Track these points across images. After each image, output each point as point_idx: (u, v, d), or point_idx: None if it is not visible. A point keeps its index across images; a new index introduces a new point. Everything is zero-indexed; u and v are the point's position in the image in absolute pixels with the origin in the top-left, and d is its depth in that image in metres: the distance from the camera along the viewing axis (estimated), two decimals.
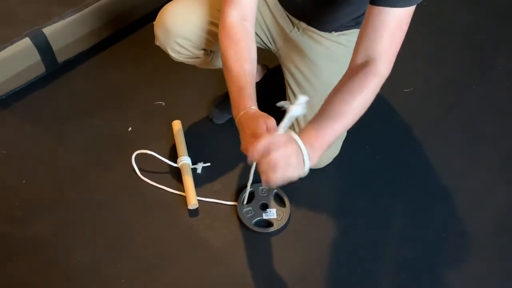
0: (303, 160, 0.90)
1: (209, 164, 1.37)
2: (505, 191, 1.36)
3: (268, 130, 0.94)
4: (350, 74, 0.99)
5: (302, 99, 0.89)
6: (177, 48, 1.22)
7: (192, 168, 1.35)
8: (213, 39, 1.22)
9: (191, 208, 1.28)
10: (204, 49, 1.25)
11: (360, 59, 0.98)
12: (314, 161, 0.92)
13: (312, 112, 1.25)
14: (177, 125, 1.44)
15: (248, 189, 1.25)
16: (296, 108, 0.90)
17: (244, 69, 1.04)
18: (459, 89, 1.63)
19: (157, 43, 1.25)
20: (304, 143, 0.90)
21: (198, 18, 1.19)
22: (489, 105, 1.58)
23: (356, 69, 0.97)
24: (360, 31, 0.98)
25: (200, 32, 1.20)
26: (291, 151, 0.88)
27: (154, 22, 1.22)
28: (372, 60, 0.95)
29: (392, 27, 0.93)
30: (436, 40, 1.79)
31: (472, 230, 1.27)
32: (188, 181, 1.31)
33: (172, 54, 1.24)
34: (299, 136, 0.91)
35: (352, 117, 0.97)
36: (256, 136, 0.93)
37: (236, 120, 1.02)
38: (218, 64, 1.35)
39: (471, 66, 1.71)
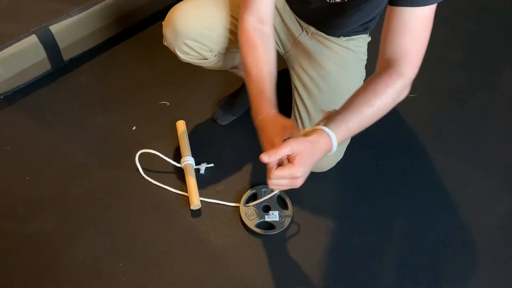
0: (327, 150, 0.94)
1: (212, 165, 1.38)
2: (507, 198, 1.35)
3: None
4: (375, 76, 0.98)
5: None
6: (185, 49, 1.22)
7: (195, 169, 1.35)
8: (221, 41, 1.22)
9: (194, 209, 1.28)
10: (213, 51, 1.25)
11: (384, 61, 0.97)
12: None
13: (317, 115, 1.25)
14: (181, 125, 1.44)
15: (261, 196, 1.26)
16: None
17: (263, 72, 1.06)
18: (463, 96, 1.63)
19: (165, 43, 1.25)
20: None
21: (207, 19, 1.19)
22: (493, 112, 1.58)
23: (381, 71, 0.97)
24: (382, 32, 0.97)
25: (209, 34, 1.20)
26: (314, 157, 0.92)
27: (163, 22, 1.22)
28: (396, 61, 0.94)
29: (413, 27, 0.91)
30: (441, 46, 1.79)
31: (473, 236, 1.27)
32: (191, 181, 1.31)
33: (180, 55, 1.24)
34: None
35: (374, 117, 0.97)
36: (273, 145, 0.94)
37: (255, 123, 1.04)
38: (226, 65, 1.35)
39: (476, 73, 1.71)
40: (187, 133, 1.44)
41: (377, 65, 1.00)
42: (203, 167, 1.36)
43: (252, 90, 1.06)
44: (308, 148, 0.90)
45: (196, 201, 1.27)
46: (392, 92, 0.95)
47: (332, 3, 1.11)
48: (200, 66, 1.34)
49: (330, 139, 0.93)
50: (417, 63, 0.96)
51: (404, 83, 0.95)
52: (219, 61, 1.30)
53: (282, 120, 1.00)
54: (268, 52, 1.09)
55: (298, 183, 0.91)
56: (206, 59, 1.26)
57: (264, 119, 1.01)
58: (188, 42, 1.19)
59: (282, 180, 0.90)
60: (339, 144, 0.94)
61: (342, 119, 0.95)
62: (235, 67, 1.43)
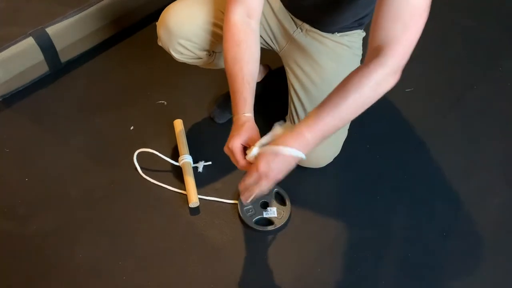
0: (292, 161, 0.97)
1: (210, 162, 1.38)
2: (505, 191, 1.36)
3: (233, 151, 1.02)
4: (360, 66, 0.94)
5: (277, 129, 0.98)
6: (180, 49, 1.22)
7: (193, 167, 1.36)
8: (215, 40, 1.22)
9: (192, 207, 1.28)
10: (207, 50, 1.26)
11: (372, 51, 0.92)
12: (306, 151, 0.95)
13: (313, 106, 1.25)
14: (178, 124, 1.45)
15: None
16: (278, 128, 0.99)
17: (243, 72, 1.05)
18: (460, 89, 1.63)
19: (159, 44, 1.26)
20: (298, 133, 0.94)
21: (201, 19, 1.19)
22: (490, 105, 1.59)
23: (367, 61, 0.93)
24: (372, 20, 0.92)
25: (202, 33, 1.20)
26: (277, 170, 0.96)
27: (157, 23, 1.23)
28: (382, 50, 0.89)
29: (405, 16, 0.87)
30: (437, 40, 1.79)
31: (472, 229, 1.28)
32: (189, 179, 1.31)
33: (175, 54, 1.24)
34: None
35: (349, 110, 0.94)
36: (231, 151, 1.03)
37: (233, 119, 1.07)
38: (221, 64, 1.35)
39: (472, 66, 1.71)
40: (185, 131, 1.44)
41: (366, 56, 0.96)
42: (201, 165, 1.37)
43: (231, 87, 1.07)
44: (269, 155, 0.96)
45: (194, 199, 1.28)
46: (368, 82, 0.90)
47: None
48: (196, 65, 1.34)
49: (291, 156, 0.94)
50: (405, 53, 0.90)
51: (385, 72, 0.90)
52: (213, 60, 1.30)
53: (249, 131, 1.02)
54: (251, 50, 1.08)
55: (263, 183, 0.97)
56: (201, 58, 1.27)
57: (237, 120, 1.04)
58: (182, 41, 1.20)
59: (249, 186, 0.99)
60: (315, 146, 0.96)
61: (317, 118, 0.94)
62: None
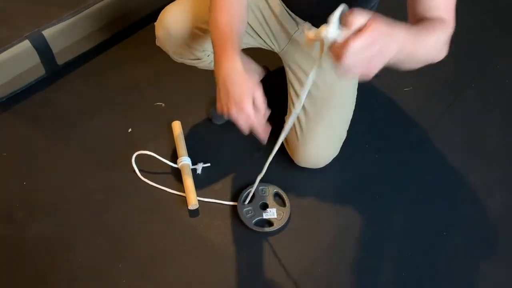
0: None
1: (209, 164, 1.38)
2: (504, 190, 1.36)
3: (255, 106, 0.88)
4: (425, 20, 0.89)
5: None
6: (178, 50, 1.22)
7: (192, 169, 1.35)
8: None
9: (192, 209, 1.28)
10: (206, 51, 1.25)
11: (429, 19, 0.89)
12: (396, 46, 0.76)
13: (314, 107, 1.25)
14: (177, 126, 1.44)
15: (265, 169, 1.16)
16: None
17: (234, 28, 0.99)
18: (458, 87, 1.63)
19: (158, 44, 1.25)
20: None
21: (199, 20, 1.19)
22: (488, 103, 1.59)
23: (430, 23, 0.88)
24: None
25: (201, 33, 1.20)
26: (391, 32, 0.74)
27: (155, 23, 1.22)
28: (444, 20, 0.88)
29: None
30: None
31: (472, 228, 1.28)
32: (188, 181, 1.31)
33: (173, 55, 1.24)
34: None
35: (423, 49, 0.84)
36: (240, 108, 0.87)
37: (217, 76, 0.94)
38: None
39: (470, 64, 1.71)
40: (183, 133, 1.44)
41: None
42: (199, 167, 1.36)
43: (217, 39, 0.97)
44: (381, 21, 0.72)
45: (193, 201, 1.27)
46: (444, 37, 0.87)
47: None
48: (194, 66, 1.34)
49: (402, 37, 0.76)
50: (453, 14, 0.90)
51: (448, 30, 0.88)
52: (212, 61, 1.30)
53: (250, 84, 0.91)
54: (242, 13, 1.03)
55: (376, 62, 0.74)
56: (199, 59, 1.27)
57: (230, 73, 0.92)
58: (180, 42, 1.20)
59: (359, 53, 0.72)
60: (394, 59, 0.78)
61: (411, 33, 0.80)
62: None
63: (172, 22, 1.18)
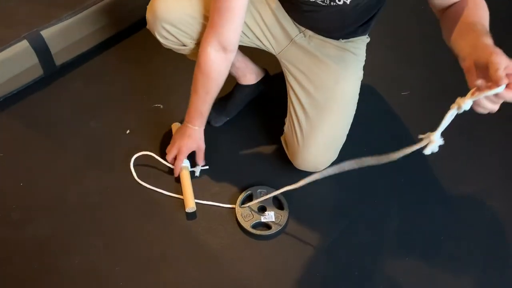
0: None
1: (207, 167, 1.37)
2: (503, 195, 1.36)
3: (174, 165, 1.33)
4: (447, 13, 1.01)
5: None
6: (164, 33, 1.22)
7: (190, 171, 1.35)
8: (202, 30, 1.22)
9: (189, 211, 1.28)
10: (194, 39, 1.25)
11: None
12: None
13: (315, 110, 1.25)
14: (176, 127, 1.44)
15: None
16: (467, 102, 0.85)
17: (208, 97, 1.25)
18: (457, 92, 1.63)
19: (147, 27, 1.25)
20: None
21: (190, 7, 1.19)
22: None
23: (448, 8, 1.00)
24: None
25: (190, 21, 1.20)
26: None
27: (147, 6, 1.23)
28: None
29: None
30: (434, 42, 1.80)
31: (470, 233, 1.28)
32: (186, 184, 1.30)
33: (160, 39, 1.24)
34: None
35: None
36: (179, 158, 1.32)
37: (184, 123, 1.32)
38: None
39: None
40: None
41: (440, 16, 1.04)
42: (198, 169, 1.36)
43: (194, 99, 1.28)
44: None
45: (191, 204, 1.27)
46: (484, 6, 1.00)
47: (326, 5, 1.11)
48: (192, 68, 1.33)
49: None
50: None
51: None
52: (197, 52, 1.28)
53: (195, 143, 1.33)
54: (218, 82, 1.24)
55: None
56: (186, 46, 1.26)
57: (187, 129, 1.32)
58: (167, 26, 1.20)
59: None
60: None
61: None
62: None
63: (160, 6, 1.18)
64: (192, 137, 1.31)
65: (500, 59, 0.75)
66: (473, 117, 1.55)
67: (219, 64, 1.19)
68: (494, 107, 0.83)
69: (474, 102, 0.84)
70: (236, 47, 1.20)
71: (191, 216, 1.28)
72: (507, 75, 0.74)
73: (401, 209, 1.32)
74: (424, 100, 1.61)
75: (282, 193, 1.30)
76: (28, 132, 1.47)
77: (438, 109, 1.57)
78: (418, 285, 1.18)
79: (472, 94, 0.83)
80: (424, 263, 1.21)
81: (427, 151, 0.92)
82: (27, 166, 1.38)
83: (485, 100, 0.81)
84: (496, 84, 0.74)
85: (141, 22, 1.78)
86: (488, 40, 0.84)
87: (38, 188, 1.33)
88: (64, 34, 1.58)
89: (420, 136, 0.92)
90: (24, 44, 1.49)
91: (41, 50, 1.54)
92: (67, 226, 1.26)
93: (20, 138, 1.45)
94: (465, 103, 0.85)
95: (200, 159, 1.35)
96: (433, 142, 0.92)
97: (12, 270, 1.17)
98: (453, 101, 1.61)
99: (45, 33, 1.53)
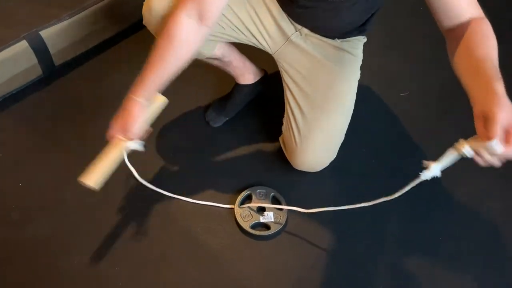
0: None
1: (142, 148, 1.28)
2: (500, 196, 1.36)
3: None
4: (470, 25, 0.98)
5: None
6: (160, 28, 1.20)
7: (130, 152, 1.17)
8: None
9: (86, 184, 1.08)
10: None
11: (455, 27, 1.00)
12: None
13: (312, 110, 1.25)
14: (160, 99, 1.25)
15: None
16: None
17: (163, 71, 1.09)
18: (456, 92, 1.63)
19: (144, 23, 1.24)
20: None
21: None
22: None
23: (470, 23, 0.98)
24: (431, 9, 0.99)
25: None
26: None
27: (144, 1, 1.21)
28: (483, 18, 0.98)
29: None
30: (432, 43, 1.80)
31: (468, 234, 1.28)
32: (106, 157, 1.11)
33: (156, 35, 1.23)
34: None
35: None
36: (125, 130, 1.09)
37: (128, 96, 1.11)
38: (202, 53, 1.30)
39: None
40: (179, 135, 1.43)
41: (447, 36, 1.04)
42: (133, 145, 1.15)
43: (148, 71, 1.10)
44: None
45: (93, 178, 1.06)
46: (491, 32, 0.97)
47: (320, 1, 1.11)
48: (191, 69, 1.33)
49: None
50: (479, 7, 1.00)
51: (488, 23, 1.01)
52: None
53: (129, 120, 1.09)
54: (179, 53, 1.07)
55: None
56: None
57: (129, 101, 1.10)
58: (162, 21, 1.16)
59: None
60: None
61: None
62: (216, 59, 1.35)
63: (158, 1, 1.16)
64: (126, 109, 1.10)
65: (500, 115, 0.77)
66: (471, 118, 1.56)
67: (187, 32, 1.04)
68: (493, 160, 0.84)
69: (474, 151, 0.87)
70: (213, 24, 1.08)
71: (190, 217, 1.27)
72: (506, 133, 0.76)
73: (400, 210, 1.32)
74: (422, 101, 1.62)
75: (281, 193, 1.31)
76: (27, 132, 1.47)
77: (437, 109, 1.59)
78: (418, 285, 1.18)
79: (474, 140, 0.87)
80: (424, 263, 1.21)
81: (425, 176, 0.99)
82: (26, 166, 1.38)
83: (484, 152, 0.83)
84: (489, 138, 0.77)
85: (141, 22, 1.78)
86: (499, 87, 0.83)
87: (38, 188, 1.33)
88: (64, 34, 1.58)
89: (424, 164, 0.98)
90: (23, 44, 1.49)
91: (40, 50, 1.53)
92: (67, 226, 1.26)
93: (19, 138, 1.45)
94: (464, 148, 0.89)
95: (131, 133, 1.10)
96: (432, 172, 0.97)
97: (12, 270, 1.17)
98: (451, 101, 1.62)
99: (44, 33, 1.53)
